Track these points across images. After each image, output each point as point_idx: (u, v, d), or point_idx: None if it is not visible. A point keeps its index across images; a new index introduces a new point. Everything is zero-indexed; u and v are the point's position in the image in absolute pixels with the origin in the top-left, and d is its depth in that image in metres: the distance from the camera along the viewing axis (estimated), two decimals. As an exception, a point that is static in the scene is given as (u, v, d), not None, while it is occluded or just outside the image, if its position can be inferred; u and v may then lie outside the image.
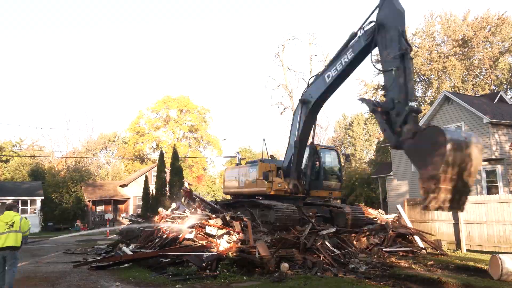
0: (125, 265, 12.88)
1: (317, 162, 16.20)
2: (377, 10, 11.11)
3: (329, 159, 16.93)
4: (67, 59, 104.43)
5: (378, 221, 16.98)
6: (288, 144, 15.36)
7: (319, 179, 16.22)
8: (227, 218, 13.98)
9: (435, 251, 14.62)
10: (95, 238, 25.84)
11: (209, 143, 67.25)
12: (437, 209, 8.40)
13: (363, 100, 11.34)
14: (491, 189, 23.43)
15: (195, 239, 13.02)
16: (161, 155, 37.22)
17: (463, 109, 24.83)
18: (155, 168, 38.68)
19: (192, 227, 13.62)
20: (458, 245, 15.60)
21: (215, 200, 20.20)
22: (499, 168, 23.81)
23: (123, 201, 47.43)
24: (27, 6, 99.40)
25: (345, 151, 55.15)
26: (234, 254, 11.77)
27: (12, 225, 9.05)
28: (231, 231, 13.24)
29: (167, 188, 34.85)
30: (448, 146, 7.99)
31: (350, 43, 12.32)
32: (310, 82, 14.15)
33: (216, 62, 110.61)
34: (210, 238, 13.05)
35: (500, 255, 10.23)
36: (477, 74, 44.12)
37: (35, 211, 38.82)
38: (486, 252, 14.53)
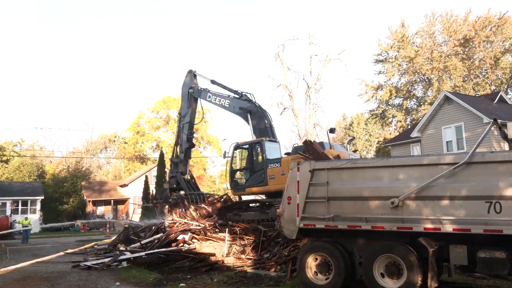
0: (125, 265, 12.90)
1: None
2: None
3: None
4: (68, 59, 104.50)
5: None
6: None
7: None
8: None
9: None
10: (95, 238, 25.82)
11: (209, 143, 67.24)
12: None
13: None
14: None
15: (191, 241, 13.12)
16: (161, 155, 37.16)
17: (463, 109, 24.81)
18: (155, 168, 38.68)
19: (192, 231, 13.75)
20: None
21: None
22: (499, 168, 23.77)
23: (123, 201, 47.43)
24: (27, 6, 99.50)
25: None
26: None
27: None
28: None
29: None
30: None
31: None
32: None
33: (216, 62, 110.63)
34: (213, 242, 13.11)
35: None
36: (478, 74, 44.11)
37: (35, 211, 38.79)
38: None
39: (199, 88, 17.59)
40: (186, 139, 17.72)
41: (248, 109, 16.14)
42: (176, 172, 17.37)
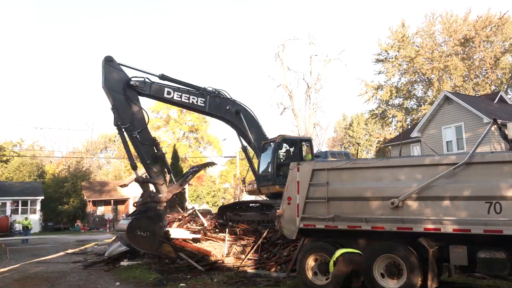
0: (125, 265, 12.92)
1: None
2: None
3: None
4: (68, 59, 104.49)
5: None
6: None
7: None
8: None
9: None
10: (95, 238, 25.86)
11: (209, 143, 67.23)
12: None
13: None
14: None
15: (190, 241, 13.16)
16: (161, 155, 37.06)
17: (463, 109, 24.81)
18: (155, 168, 38.64)
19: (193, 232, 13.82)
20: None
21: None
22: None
23: (123, 201, 47.42)
24: (27, 6, 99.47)
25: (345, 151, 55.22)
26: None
27: None
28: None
29: (167, 188, 34.74)
30: None
31: None
32: None
33: (216, 62, 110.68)
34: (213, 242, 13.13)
35: None
36: (478, 74, 44.13)
37: (35, 211, 38.79)
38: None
39: (146, 80, 12.73)
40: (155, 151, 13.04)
41: (237, 109, 14.24)
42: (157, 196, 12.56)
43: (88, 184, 47.82)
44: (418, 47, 45.15)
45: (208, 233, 13.79)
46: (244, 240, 13.03)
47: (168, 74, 13.38)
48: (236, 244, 12.90)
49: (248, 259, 11.89)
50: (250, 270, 11.25)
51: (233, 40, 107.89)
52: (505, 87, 41.89)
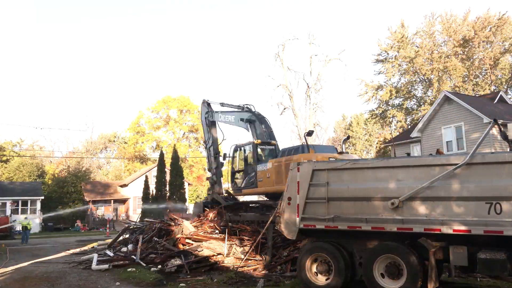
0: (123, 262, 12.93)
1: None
2: None
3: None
4: (67, 59, 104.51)
5: None
6: None
7: None
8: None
9: None
10: (95, 238, 25.85)
11: (209, 143, 67.21)
12: None
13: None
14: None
15: (192, 241, 13.16)
16: (161, 155, 37.19)
17: (463, 109, 24.80)
18: (155, 168, 38.71)
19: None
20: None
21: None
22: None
23: (123, 201, 47.45)
24: (27, 6, 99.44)
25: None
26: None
27: None
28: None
29: (167, 188, 34.85)
30: None
31: None
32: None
33: (216, 62, 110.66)
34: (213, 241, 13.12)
35: None
36: (478, 74, 44.11)
37: (35, 211, 38.77)
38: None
39: (212, 112, 18.68)
40: (214, 160, 18.40)
41: (248, 118, 17.01)
42: (212, 192, 17.80)
43: (89, 185, 47.85)
44: (418, 47, 45.09)
45: (209, 234, 13.83)
46: (244, 240, 13.03)
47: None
48: (236, 245, 12.90)
49: (247, 259, 11.89)
50: (250, 270, 11.24)
51: (234, 40, 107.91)
52: (505, 87, 41.86)
